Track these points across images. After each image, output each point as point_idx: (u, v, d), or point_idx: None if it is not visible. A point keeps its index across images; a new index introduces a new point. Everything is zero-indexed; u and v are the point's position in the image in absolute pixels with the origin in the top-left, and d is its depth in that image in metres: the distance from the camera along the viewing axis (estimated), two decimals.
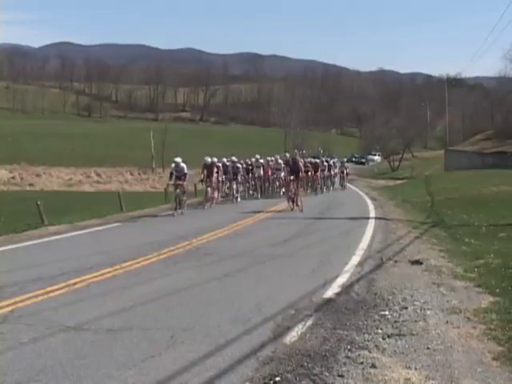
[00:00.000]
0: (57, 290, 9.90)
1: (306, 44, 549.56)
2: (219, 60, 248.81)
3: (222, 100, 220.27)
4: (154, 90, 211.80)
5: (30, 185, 53.76)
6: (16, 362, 6.44)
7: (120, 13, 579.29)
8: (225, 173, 30.99)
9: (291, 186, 26.62)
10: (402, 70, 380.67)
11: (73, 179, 62.78)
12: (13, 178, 59.43)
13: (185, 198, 24.74)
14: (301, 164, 28.82)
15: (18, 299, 9.13)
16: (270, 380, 5.93)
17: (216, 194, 29.11)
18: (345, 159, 59.50)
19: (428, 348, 7.06)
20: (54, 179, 61.78)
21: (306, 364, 6.38)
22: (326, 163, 43.02)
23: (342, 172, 47.49)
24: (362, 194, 41.48)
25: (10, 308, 8.62)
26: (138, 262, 12.49)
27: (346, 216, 23.34)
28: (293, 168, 27.40)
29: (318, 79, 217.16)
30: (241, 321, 8.02)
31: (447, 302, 9.35)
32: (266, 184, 36.53)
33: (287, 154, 39.33)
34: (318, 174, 39.31)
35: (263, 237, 17.11)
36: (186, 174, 24.51)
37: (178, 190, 24.08)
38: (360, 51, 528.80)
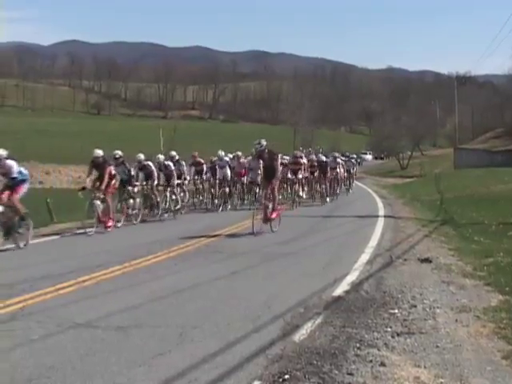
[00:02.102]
0: (66, 287, 9.93)
1: (314, 42, 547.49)
2: (228, 58, 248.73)
3: (230, 98, 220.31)
4: (163, 87, 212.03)
5: (40, 182, 53.78)
6: (26, 358, 6.46)
7: (129, 11, 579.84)
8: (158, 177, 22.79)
9: (265, 193, 18.50)
10: (411, 68, 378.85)
11: (82, 177, 62.78)
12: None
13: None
14: (278, 161, 19.53)
15: (27, 296, 9.16)
16: (279, 378, 5.93)
17: (112, 214, 18.71)
18: (354, 156, 49.79)
19: (437, 346, 7.04)
20: (63, 177, 61.88)
21: (315, 362, 6.36)
22: (339, 160, 35.71)
23: (349, 171, 39.22)
24: (370, 191, 41.40)
25: (19, 305, 8.64)
26: (148, 260, 12.52)
27: (355, 214, 23.31)
28: (267, 166, 18.66)
29: (327, 77, 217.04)
30: (250, 318, 8.01)
31: (457, 300, 9.32)
32: (235, 189, 27.75)
33: (297, 152, 31.98)
34: (328, 175, 31.38)
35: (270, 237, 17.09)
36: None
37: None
38: (369, 49, 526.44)
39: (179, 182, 24.22)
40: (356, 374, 6.08)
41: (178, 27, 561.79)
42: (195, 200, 27.30)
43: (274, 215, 17.88)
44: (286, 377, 5.94)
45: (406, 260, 12.83)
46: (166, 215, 22.38)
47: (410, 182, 58.28)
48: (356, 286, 10.24)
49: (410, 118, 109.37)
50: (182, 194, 24.62)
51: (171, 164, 23.66)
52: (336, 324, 7.83)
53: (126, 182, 20.33)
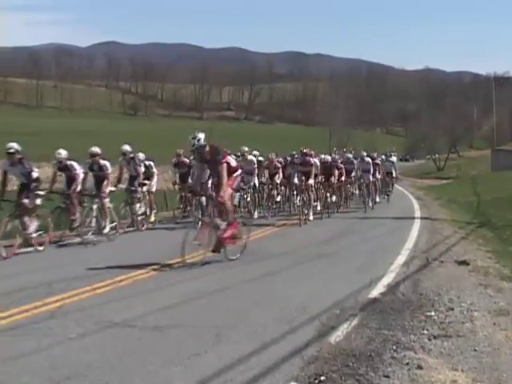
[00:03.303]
0: (103, 286, 10.02)
1: (350, 42, 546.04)
2: (264, 59, 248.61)
3: (266, 99, 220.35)
4: (199, 88, 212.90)
5: None
6: (64, 356, 6.53)
7: (166, 12, 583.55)
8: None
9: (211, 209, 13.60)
10: (449, 69, 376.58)
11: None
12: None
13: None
14: (224, 164, 12.83)
15: (65, 295, 9.26)
16: (315, 379, 5.92)
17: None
18: (393, 157, 36.86)
19: (475, 350, 6.98)
20: None
21: (351, 364, 6.34)
22: (369, 160, 28.35)
23: (390, 174, 32.15)
24: (407, 193, 41.14)
25: (57, 304, 8.74)
26: (183, 260, 12.55)
27: (391, 216, 23.18)
28: (211, 170, 13.60)
29: (363, 78, 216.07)
30: (285, 319, 8.01)
31: (494, 303, 9.22)
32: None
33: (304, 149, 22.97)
34: (333, 180, 23.86)
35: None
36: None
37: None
38: (406, 49, 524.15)
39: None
40: (392, 377, 6.05)
41: (214, 28, 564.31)
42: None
43: (227, 234, 12.84)
44: (322, 378, 5.93)
45: (442, 262, 12.73)
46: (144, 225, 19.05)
47: (447, 184, 57.85)
48: (392, 287, 10.18)
49: (446, 119, 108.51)
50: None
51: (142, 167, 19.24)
52: (372, 326, 7.79)
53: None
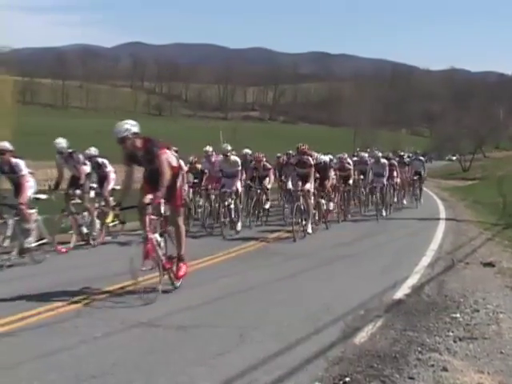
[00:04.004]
0: (129, 286, 10.07)
1: (375, 42, 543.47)
2: (288, 59, 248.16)
3: (290, 99, 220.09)
4: (224, 88, 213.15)
5: None
6: (90, 355, 6.58)
7: (190, 12, 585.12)
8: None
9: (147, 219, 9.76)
10: (474, 69, 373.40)
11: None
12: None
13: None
14: (163, 161, 9.68)
15: (91, 294, 9.35)
16: (340, 380, 5.91)
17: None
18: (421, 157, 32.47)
19: (501, 352, 6.92)
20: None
21: (375, 365, 6.32)
22: (384, 161, 23.97)
23: (419, 175, 28.62)
24: (431, 194, 40.90)
25: (84, 303, 8.82)
26: (207, 260, 12.61)
27: (416, 216, 23.06)
28: (150, 170, 10.14)
29: (388, 78, 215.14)
30: (310, 320, 8.00)
31: None
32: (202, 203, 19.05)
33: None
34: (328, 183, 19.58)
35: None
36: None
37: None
38: (430, 50, 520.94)
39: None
40: (417, 379, 6.02)
41: (239, 29, 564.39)
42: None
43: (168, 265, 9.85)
44: (347, 379, 5.92)
45: (468, 264, 12.65)
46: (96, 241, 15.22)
47: (472, 185, 57.37)
48: (417, 289, 10.14)
49: (472, 119, 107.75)
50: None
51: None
52: (397, 327, 7.77)
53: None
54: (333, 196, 20.92)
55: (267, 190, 20.34)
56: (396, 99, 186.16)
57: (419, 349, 6.92)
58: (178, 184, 10.04)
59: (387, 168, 23.48)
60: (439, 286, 10.47)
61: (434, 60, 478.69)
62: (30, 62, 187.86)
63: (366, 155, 26.92)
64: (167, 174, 9.45)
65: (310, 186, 17.24)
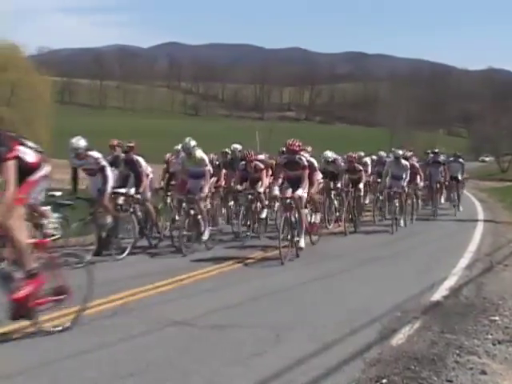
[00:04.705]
0: (165, 285, 10.13)
1: (412, 42, 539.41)
2: (325, 59, 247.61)
3: (327, 99, 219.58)
4: (260, 89, 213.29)
5: None
6: (127, 353, 6.62)
7: (227, 12, 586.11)
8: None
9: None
10: None
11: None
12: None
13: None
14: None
15: (128, 293, 9.40)
16: (377, 382, 5.86)
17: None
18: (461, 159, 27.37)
19: None
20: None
21: (413, 367, 6.26)
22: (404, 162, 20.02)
23: (455, 179, 25.50)
24: (469, 194, 40.50)
25: (121, 301, 8.88)
26: (244, 260, 12.62)
27: (453, 218, 22.85)
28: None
29: (425, 78, 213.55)
30: (346, 321, 7.96)
31: None
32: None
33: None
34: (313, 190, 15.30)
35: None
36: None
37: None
38: (469, 49, 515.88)
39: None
40: (456, 382, 5.95)
41: (275, 29, 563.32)
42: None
43: (22, 293, 7.04)
44: (384, 381, 5.88)
45: (507, 266, 12.50)
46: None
47: (511, 186, 56.69)
48: (455, 291, 10.04)
49: (511, 120, 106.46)
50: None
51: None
52: (434, 329, 7.69)
53: None
54: (320, 204, 17.19)
55: (258, 194, 16.83)
56: (433, 99, 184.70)
57: (457, 351, 6.85)
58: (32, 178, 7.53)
59: (408, 171, 19.66)
60: (477, 288, 10.36)
61: (473, 60, 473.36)
62: (68, 63, 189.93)
63: (384, 154, 23.80)
64: (12, 181, 6.92)
65: (302, 191, 13.57)
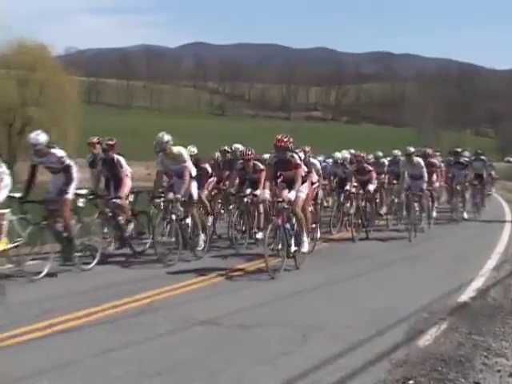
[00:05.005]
0: (191, 284, 10.17)
1: (439, 42, 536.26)
2: (351, 59, 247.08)
3: (353, 99, 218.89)
4: (286, 88, 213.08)
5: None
6: (154, 352, 6.66)
7: (253, 12, 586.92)
8: None
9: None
10: None
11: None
12: (149, 174, 61.24)
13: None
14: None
15: (154, 292, 9.45)
16: (403, 383, 5.84)
17: None
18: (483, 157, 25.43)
19: None
20: None
21: (440, 369, 6.23)
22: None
23: (480, 178, 23.63)
24: (496, 195, 40.14)
25: (147, 300, 8.92)
26: (270, 260, 12.59)
27: (480, 219, 22.64)
28: None
29: (453, 78, 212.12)
30: (372, 321, 7.95)
31: None
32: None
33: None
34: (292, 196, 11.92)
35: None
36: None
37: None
38: (497, 49, 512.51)
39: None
40: None
41: (302, 28, 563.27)
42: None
43: None
44: (410, 382, 5.85)
45: None
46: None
47: None
48: (482, 292, 9.97)
49: None
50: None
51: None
52: (462, 331, 7.64)
53: None
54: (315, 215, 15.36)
55: (255, 197, 14.66)
56: (461, 99, 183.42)
57: (485, 353, 6.80)
58: None
59: (424, 168, 17.87)
60: (505, 289, 10.27)
61: (501, 59, 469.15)
62: (95, 63, 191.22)
63: (399, 153, 20.69)
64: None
65: (293, 194, 11.83)
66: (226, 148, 18.02)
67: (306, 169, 13.01)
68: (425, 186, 17.69)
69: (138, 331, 7.40)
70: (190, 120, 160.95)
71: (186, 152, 13.22)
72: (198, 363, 6.33)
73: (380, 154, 21.97)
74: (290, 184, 12.14)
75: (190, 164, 13.02)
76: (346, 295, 9.79)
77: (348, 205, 17.31)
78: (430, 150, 20.76)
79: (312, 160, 16.35)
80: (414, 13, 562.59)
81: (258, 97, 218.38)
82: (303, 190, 12.35)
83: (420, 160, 18.11)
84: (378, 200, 19.77)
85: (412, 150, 18.10)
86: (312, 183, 14.40)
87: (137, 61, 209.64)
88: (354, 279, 11.06)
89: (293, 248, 11.86)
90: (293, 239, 11.90)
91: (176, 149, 12.84)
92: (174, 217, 12.43)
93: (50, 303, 8.60)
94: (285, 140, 12.05)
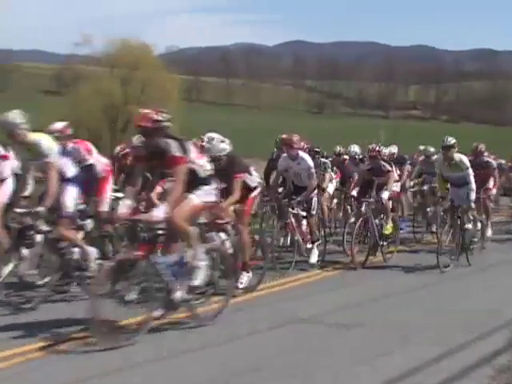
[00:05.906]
0: (289, 282, 10.28)
1: None
2: (451, 56, 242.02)
3: (453, 98, 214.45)
4: (385, 87, 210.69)
5: None
6: (253, 348, 6.83)
7: (352, 10, 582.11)
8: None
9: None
10: None
11: None
12: None
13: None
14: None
15: (253, 290, 9.58)
16: None
17: None
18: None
19: None
20: None
21: None
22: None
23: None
24: None
25: (246, 297, 9.06)
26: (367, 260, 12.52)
27: None
28: None
29: None
30: (473, 326, 7.80)
31: None
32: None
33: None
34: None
35: None
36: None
37: None
38: None
39: None
40: None
41: (401, 26, 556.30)
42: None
43: None
44: None
45: None
46: None
47: None
48: None
49: None
50: None
51: None
52: None
53: None
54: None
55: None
56: None
57: None
58: None
59: (468, 171, 12.35)
60: None
61: None
62: (196, 61, 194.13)
63: (433, 150, 16.95)
64: None
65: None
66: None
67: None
68: (473, 196, 12.34)
69: (237, 327, 7.52)
70: (288, 118, 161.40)
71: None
72: (295, 361, 6.41)
73: (432, 149, 17.12)
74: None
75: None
76: (445, 298, 9.58)
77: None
78: (482, 146, 15.40)
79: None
80: None
81: (356, 95, 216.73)
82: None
83: (463, 157, 12.64)
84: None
85: (452, 141, 12.40)
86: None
87: (236, 59, 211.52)
88: (454, 281, 10.91)
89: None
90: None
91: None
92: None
93: None
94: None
